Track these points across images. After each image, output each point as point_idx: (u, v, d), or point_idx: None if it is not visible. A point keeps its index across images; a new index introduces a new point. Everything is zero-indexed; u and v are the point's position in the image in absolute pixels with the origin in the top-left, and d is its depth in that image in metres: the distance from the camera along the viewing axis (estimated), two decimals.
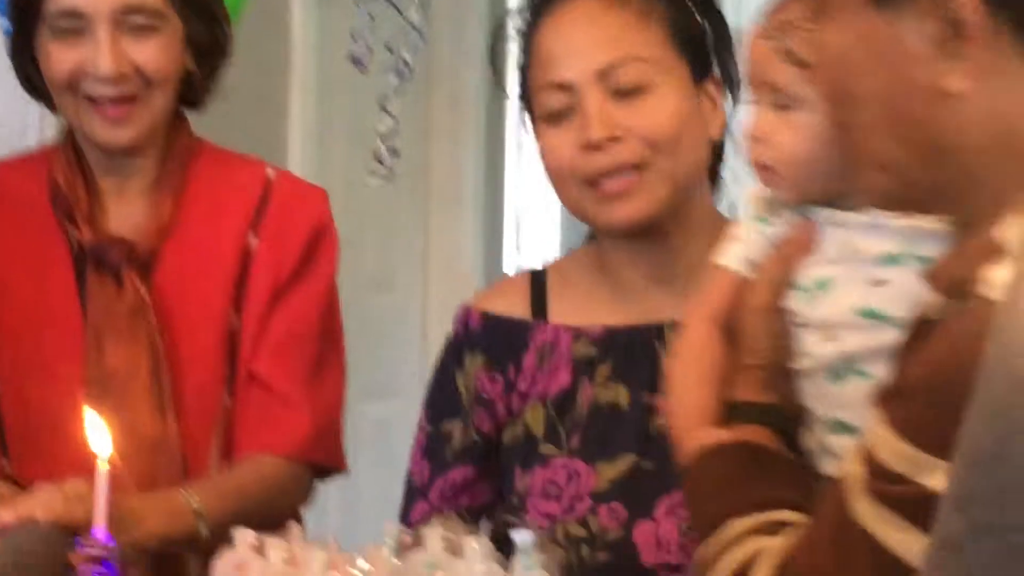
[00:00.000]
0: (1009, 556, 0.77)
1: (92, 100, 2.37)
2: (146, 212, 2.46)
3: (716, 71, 2.16)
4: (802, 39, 1.63)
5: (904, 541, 1.37)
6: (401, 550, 1.54)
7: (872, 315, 1.67)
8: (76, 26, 2.35)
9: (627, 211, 2.07)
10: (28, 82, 2.49)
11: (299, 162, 4.29)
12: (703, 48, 2.15)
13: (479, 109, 5.49)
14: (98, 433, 1.70)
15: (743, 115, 1.84)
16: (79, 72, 2.36)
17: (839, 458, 1.66)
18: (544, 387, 2.14)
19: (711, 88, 2.15)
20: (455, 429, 2.19)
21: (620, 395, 2.11)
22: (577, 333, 2.15)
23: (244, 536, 1.51)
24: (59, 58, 2.37)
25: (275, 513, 2.23)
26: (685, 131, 2.09)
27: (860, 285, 1.69)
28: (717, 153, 2.21)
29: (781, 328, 1.75)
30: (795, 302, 1.74)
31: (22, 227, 2.47)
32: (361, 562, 1.46)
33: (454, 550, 1.51)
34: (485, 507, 2.15)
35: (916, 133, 1.46)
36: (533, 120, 2.17)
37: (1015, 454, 0.78)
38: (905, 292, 1.63)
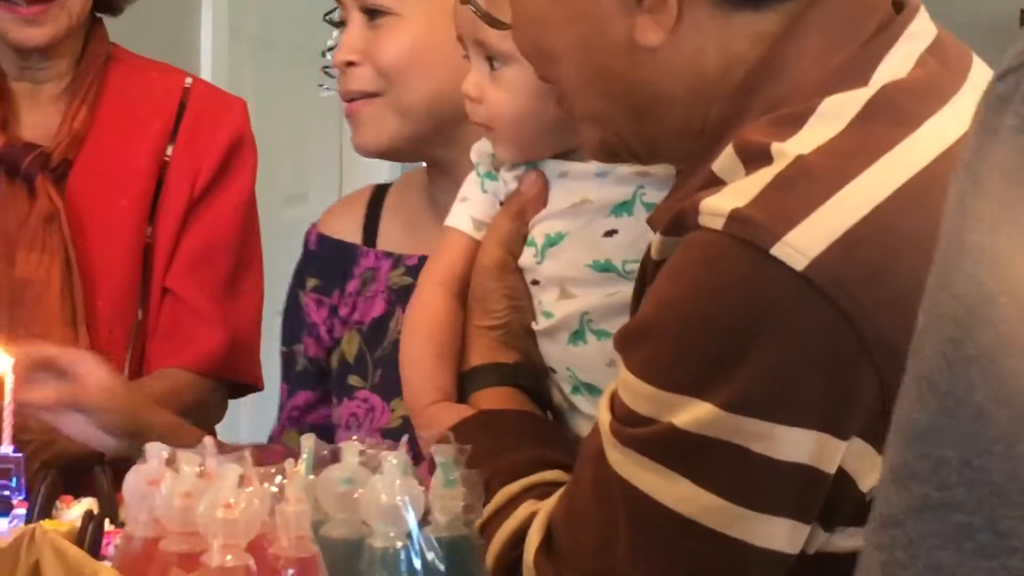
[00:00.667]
0: (952, 534, 0.76)
1: (5, 1, 2.34)
2: (60, 119, 2.42)
3: None
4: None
5: (657, 483, 1.36)
6: (317, 465, 1.52)
7: (608, 268, 1.67)
8: None
9: (358, 137, 2.08)
10: None
11: (210, 70, 4.26)
12: None
13: None
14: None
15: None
16: None
17: (584, 416, 1.70)
18: (362, 315, 2.12)
19: None
20: (298, 352, 2.18)
21: None
22: (397, 260, 2.12)
23: (156, 449, 1.48)
24: None
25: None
26: (413, 65, 2.02)
27: (593, 237, 1.69)
28: None
29: (516, 287, 1.74)
30: (528, 259, 1.73)
31: None
32: (277, 477, 1.44)
33: (371, 465, 1.49)
34: (331, 428, 2.13)
35: (617, 87, 1.48)
36: None
37: (950, 427, 0.77)
38: (635, 241, 1.64)
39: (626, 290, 1.62)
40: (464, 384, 1.73)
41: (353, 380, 2.09)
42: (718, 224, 1.31)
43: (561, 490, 1.49)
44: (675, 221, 1.38)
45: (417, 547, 1.48)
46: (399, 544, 1.48)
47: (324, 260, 2.18)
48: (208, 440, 1.51)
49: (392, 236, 2.15)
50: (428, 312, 1.78)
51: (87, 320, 2.39)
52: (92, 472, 1.82)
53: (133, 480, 1.48)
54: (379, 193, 2.20)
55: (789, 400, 1.31)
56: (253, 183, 2.52)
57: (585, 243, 1.68)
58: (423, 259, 2.02)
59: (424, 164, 2.18)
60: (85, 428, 2.14)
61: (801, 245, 1.29)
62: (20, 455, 1.61)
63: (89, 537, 1.59)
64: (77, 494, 1.76)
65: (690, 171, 1.46)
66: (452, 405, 1.73)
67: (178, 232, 2.44)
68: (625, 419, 1.38)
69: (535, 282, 1.71)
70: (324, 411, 2.17)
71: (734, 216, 1.30)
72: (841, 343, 1.30)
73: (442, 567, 1.49)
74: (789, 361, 1.31)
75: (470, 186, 1.80)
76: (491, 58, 1.72)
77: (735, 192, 1.33)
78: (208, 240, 2.45)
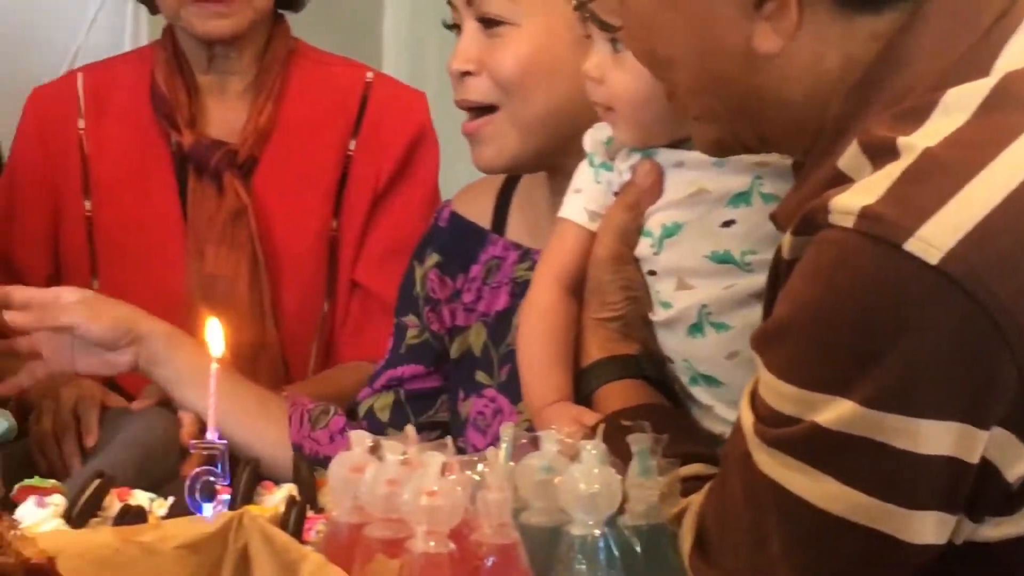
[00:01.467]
0: None
1: None
2: (246, 115, 2.47)
3: None
4: (607, 2, 1.58)
5: (804, 483, 1.36)
6: (516, 452, 1.54)
7: (723, 259, 1.67)
8: None
9: (477, 155, 2.02)
10: None
11: (393, 62, 4.29)
12: None
13: None
14: (214, 337, 1.70)
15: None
16: None
17: (703, 406, 1.70)
18: (487, 306, 2.10)
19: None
20: (410, 324, 2.16)
21: None
22: (525, 253, 2.09)
23: (361, 438, 1.51)
24: None
25: None
26: (531, 77, 1.96)
27: (710, 228, 1.68)
28: None
29: (633, 278, 1.73)
30: (644, 249, 1.72)
31: (125, 129, 2.53)
32: (478, 465, 1.46)
33: (571, 454, 1.50)
34: (421, 394, 2.14)
35: (733, 91, 1.48)
36: None
37: None
38: (755, 231, 1.64)
39: (744, 283, 1.65)
40: (587, 378, 1.74)
41: (480, 376, 2.09)
42: (849, 222, 1.31)
43: (708, 488, 1.49)
44: (805, 220, 1.38)
45: (615, 535, 1.49)
46: (597, 532, 1.49)
47: (451, 238, 2.16)
48: (410, 429, 1.53)
49: (519, 227, 2.13)
50: (543, 310, 1.79)
51: (274, 313, 2.45)
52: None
53: (337, 467, 1.51)
54: (511, 181, 2.17)
55: (929, 394, 1.31)
56: (436, 175, 2.55)
57: (703, 233, 1.68)
58: None
59: None
60: (86, 357, 2.18)
61: (934, 239, 1.28)
62: (225, 442, 1.64)
63: (292, 522, 1.63)
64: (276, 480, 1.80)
65: (813, 166, 1.47)
66: (570, 405, 1.74)
67: (364, 225, 2.48)
68: (769, 420, 1.38)
69: (652, 272, 1.71)
70: (424, 383, 2.16)
71: (865, 213, 1.30)
72: (979, 334, 1.29)
73: (639, 555, 1.50)
74: (928, 355, 1.30)
75: (583, 176, 1.79)
76: (614, 40, 1.70)
77: (864, 189, 1.33)
78: (396, 234, 2.48)
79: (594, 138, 1.78)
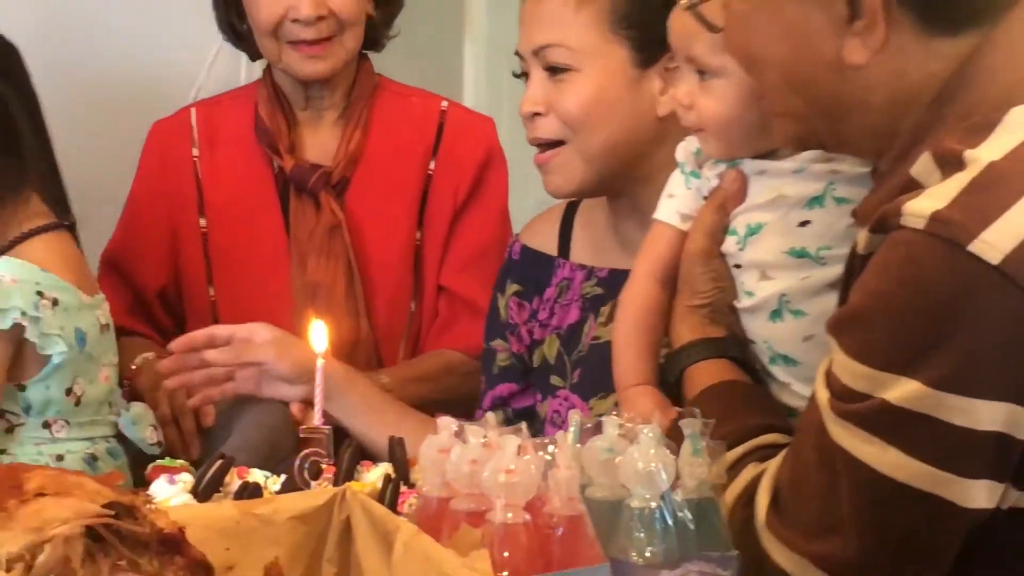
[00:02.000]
0: None
1: (292, 43, 2.45)
2: (338, 142, 2.51)
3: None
4: (714, 6, 1.60)
5: (872, 452, 1.40)
6: (583, 436, 1.55)
7: (802, 254, 1.69)
8: None
9: (549, 187, 2.07)
10: (231, 31, 2.57)
11: (472, 104, 4.31)
12: (653, 31, 1.97)
13: None
14: (318, 335, 1.73)
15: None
16: (284, 17, 2.43)
17: (780, 383, 1.73)
18: (559, 320, 2.15)
19: (661, 71, 2.03)
20: (499, 348, 2.22)
21: None
22: (590, 272, 2.15)
23: (447, 423, 1.53)
24: (266, 7, 2.44)
25: (454, 398, 2.29)
26: (593, 115, 2.01)
27: (789, 227, 1.70)
28: None
29: (720, 270, 1.76)
30: (731, 246, 1.75)
31: (233, 156, 2.58)
32: (550, 447, 1.47)
33: (630, 437, 1.51)
34: (527, 411, 2.18)
35: (819, 94, 1.51)
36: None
37: None
38: (829, 230, 1.67)
39: (819, 274, 1.68)
40: (679, 357, 1.77)
41: (554, 380, 2.14)
42: (920, 224, 1.36)
43: (783, 455, 1.53)
44: (880, 221, 1.43)
45: (669, 507, 1.51)
46: (654, 504, 1.51)
47: (525, 268, 2.22)
48: (490, 416, 1.55)
49: (583, 249, 2.18)
50: (639, 301, 1.82)
51: (368, 314, 2.49)
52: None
53: (427, 449, 1.53)
54: (571, 209, 2.23)
55: (986, 377, 1.36)
56: (506, 190, 2.59)
57: (782, 232, 1.71)
58: (612, 272, 2.10)
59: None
60: (270, 385, 2.24)
61: (995, 242, 1.33)
62: (329, 427, 1.66)
63: (388, 497, 1.65)
64: (374, 459, 1.83)
65: (889, 173, 1.50)
66: (650, 390, 1.79)
67: (445, 235, 2.52)
68: (842, 395, 1.42)
69: (737, 266, 1.75)
70: (524, 399, 2.21)
71: (935, 217, 1.35)
72: None
73: (691, 525, 1.51)
74: (986, 343, 1.35)
75: (675, 183, 1.83)
76: (701, 71, 1.74)
77: (935, 195, 1.37)
78: (474, 244, 2.53)
79: (685, 149, 1.83)
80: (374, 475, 1.76)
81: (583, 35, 2.01)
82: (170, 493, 1.71)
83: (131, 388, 2.38)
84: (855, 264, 1.49)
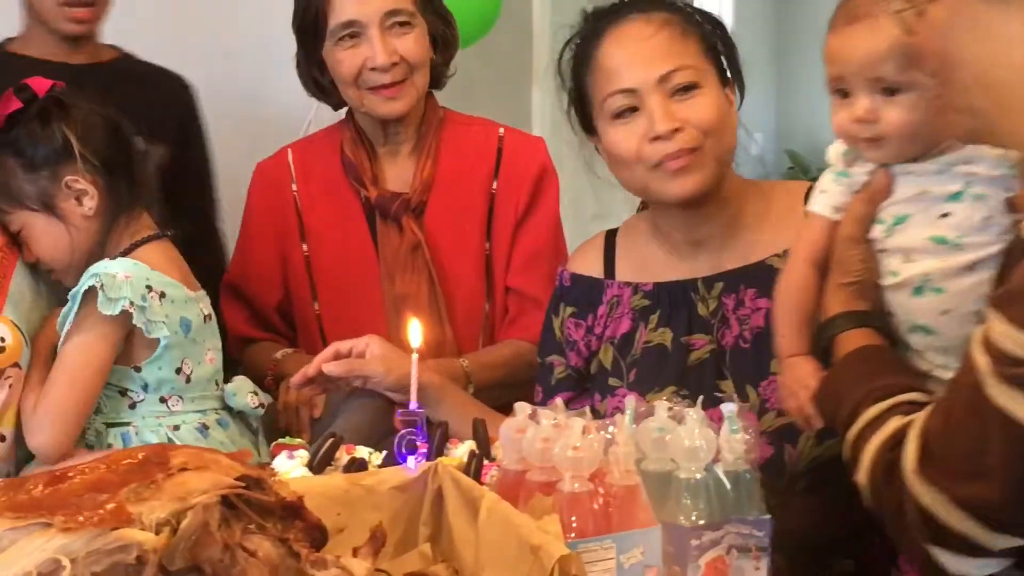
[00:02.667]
0: None
1: (372, 89, 2.47)
2: (413, 171, 2.53)
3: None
4: (910, 12, 1.59)
5: None
6: (637, 418, 1.56)
7: (942, 241, 1.70)
8: (354, 32, 2.45)
9: (689, 183, 2.05)
10: (314, 86, 2.56)
11: (538, 128, 4.33)
12: (724, 61, 2.11)
13: None
14: (414, 333, 1.74)
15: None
16: (363, 67, 2.45)
17: (915, 351, 1.74)
18: (613, 331, 2.17)
19: (731, 94, 2.12)
20: (556, 363, 2.23)
21: (666, 337, 2.10)
22: (636, 288, 2.16)
23: (522, 407, 1.56)
24: (347, 61, 2.46)
25: (524, 380, 2.30)
26: (724, 120, 2.06)
27: (931, 219, 1.72)
28: None
29: (868, 253, 1.77)
30: (878, 233, 1.77)
31: (325, 189, 2.61)
32: (610, 427, 1.48)
33: (678, 418, 1.52)
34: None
35: (1007, 95, 1.49)
36: (590, 120, 2.13)
37: None
38: (966, 221, 1.68)
39: (956, 259, 1.69)
40: (830, 326, 1.78)
41: (612, 381, 2.15)
42: None
43: (931, 409, 1.53)
44: None
45: (712, 478, 1.52)
46: (698, 476, 1.55)
47: (576, 292, 2.24)
48: (559, 401, 1.56)
49: (627, 269, 2.20)
50: (797, 283, 1.84)
51: (449, 319, 2.52)
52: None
53: (505, 429, 1.55)
54: (611, 237, 2.27)
55: None
56: (558, 200, 2.62)
57: (926, 222, 1.73)
58: (657, 285, 2.13)
59: (646, 210, 2.24)
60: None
61: None
62: (423, 410, 1.67)
63: (473, 469, 1.67)
64: (460, 437, 1.85)
65: None
66: (807, 358, 1.79)
67: (510, 244, 2.54)
68: (1006, 362, 1.42)
69: (882, 250, 1.78)
70: (577, 405, 2.20)
71: None
72: None
73: (730, 493, 1.52)
74: None
75: (827, 181, 1.85)
76: (889, 88, 1.73)
77: None
78: (533, 247, 2.57)
79: (836, 152, 1.84)
80: (461, 451, 1.78)
81: (697, 58, 2.06)
82: (290, 467, 1.74)
83: (275, 377, 2.45)
84: (1015, 248, 1.50)
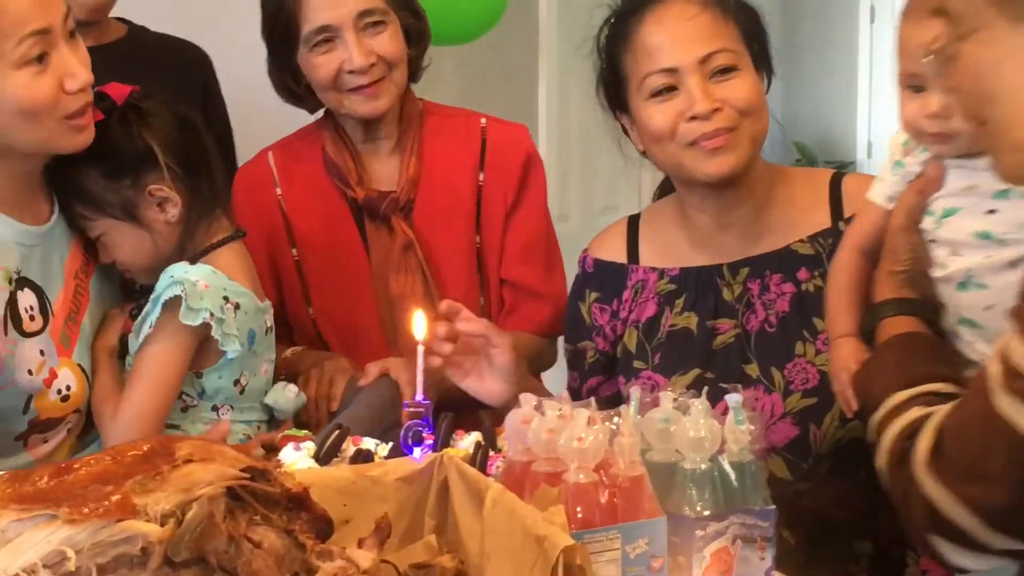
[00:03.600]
0: None
1: (351, 90, 2.41)
2: (398, 168, 2.50)
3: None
4: (945, 52, 1.55)
5: None
6: (642, 408, 1.56)
7: (987, 236, 1.71)
8: (328, 37, 2.39)
9: (725, 163, 2.06)
10: (286, 92, 2.50)
11: (545, 121, 4.33)
12: (761, 49, 2.13)
13: None
14: (420, 327, 1.74)
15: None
16: (340, 71, 2.39)
17: (965, 341, 1.74)
18: (638, 315, 2.17)
19: (762, 76, 2.14)
20: (588, 347, 2.24)
21: (691, 321, 2.12)
22: (661, 273, 2.17)
23: (528, 399, 1.56)
24: (324, 66, 2.39)
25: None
26: (761, 103, 2.08)
27: (978, 213, 1.72)
28: None
29: (918, 242, 1.79)
30: (928, 224, 1.78)
31: (310, 191, 2.54)
32: (615, 418, 1.48)
33: (683, 409, 1.52)
34: (613, 396, 2.19)
35: None
36: (622, 98, 2.12)
37: None
38: (1013, 219, 1.68)
39: (1001, 254, 1.69)
40: (877, 311, 1.80)
41: (637, 364, 2.16)
42: None
43: (951, 406, 1.54)
44: None
45: (717, 468, 1.51)
46: (704, 466, 1.55)
47: (601, 277, 2.24)
48: (564, 392, 1.55)
49: (652, 253, 2.21)
50: (848, 268, 1.88)
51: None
52: (476, 414, 1.86)
53: (511, 420, 1.56)
54: (633, 223, 2.27)
55: None
56: (545, 186, 2.59)
57: (973, 217, 1.73)
58: (683, 270, 2.14)
59: (671, 194, 2.23)
60: (483, 384, 2.18)
61: None
62: (429, 401, 1.67)
63: (479, 460, 1.67)
64: (466, 429, 1.83)
65: None
66: (854, 339, 1.82)
67: (501, 234, 2.51)
68: (1015, 375, 1.42)
69: (932, 241, 1.79)
70: (608, 387, 2.23)
71: None
72: None
73: (735, 483, 1.52)
74: None
75: (884, 170, 1.87)
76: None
77: None
78: (525, 236, 2.53)
79: (895, 141, 1.86)
80: (467, 442, 1.77)
81: (735, 42, 2.08)
82: (296, 458, 1.74)
83: (288, 374, 2.38)
84: None
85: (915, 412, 1.58)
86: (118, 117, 2.11)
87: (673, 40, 2.06)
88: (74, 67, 1.95)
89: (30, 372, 2.01)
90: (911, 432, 1.56)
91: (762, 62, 2.14)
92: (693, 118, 2.03)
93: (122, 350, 2.19)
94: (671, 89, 2.06)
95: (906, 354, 1.70)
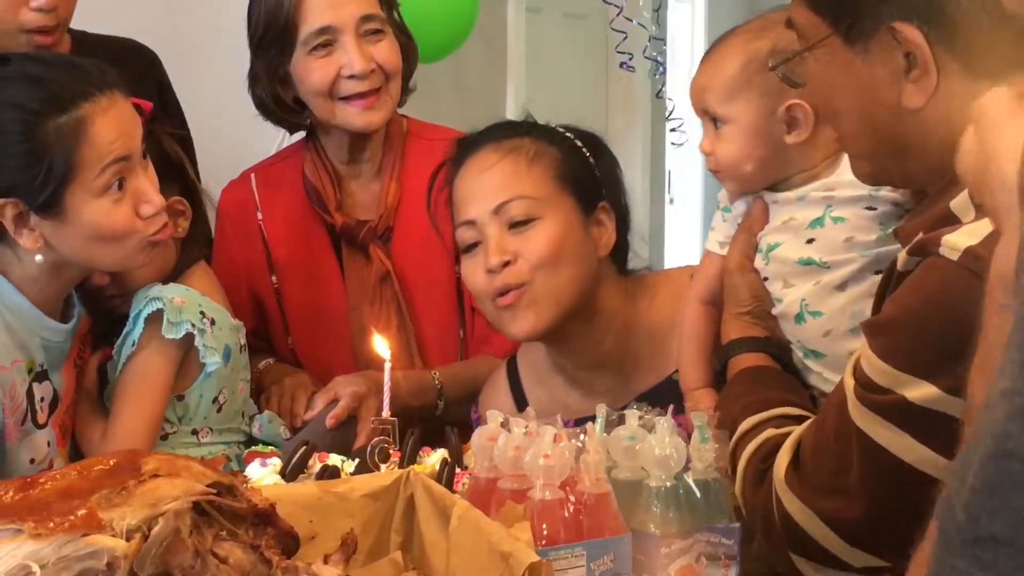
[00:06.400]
0: None
1: (345, 99, 2.35)
2: (378, 193, 2.45)
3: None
4: (790, 66, 1.60)
5: (887, 436, 1.43)
6: (608, 426, 1.56)
7: (807, 263, 1.74)
8: (328, 40, 2.33)
9: (524, 325, 2.00)
10: (273, 103, 2.41)
11: None
12: (591, 183, 2.04)
13: (646, 93, 5.46)
14: (383, 347, 1.74)
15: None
16: (338, 76, 2.33)
17: (815, 373, 1.77)
18: None
19: (601, 214, 2.05)
20: None
21: None
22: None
23: (494, 415, 1.55)
24: (321, 70, 2.34)
25: None
26: (561, 253, 1.98)
27: (799, 244, 1.75)
28: (621, 251, 2.11)
29: (755, 281, 1.81)
30: (759, 262, 1.81)
31: (290, 216, 2.48)
32: (581, 435, 1.48)
33: (648, 427, 1.53)
34: None
35: (886, 136, 1.51)
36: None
37: None
38: (830, 242, 1.72)
39: (826, 278, 1.72)
40: (726, 350, 1.81)
41: None
42: (955, 256, 1.37)
43: (808, 424, 1.56)
44: (919, 246, 1.44)
45: (682, 486, 1.52)
46: (669, 484, 1.53)
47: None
48: (530, 410, 1.56)
49: (541, 403, 2.11)
50: (695, 321, 1.90)
51: (420, 350, 2.42)
52: (444, 430, 1.86)
53: (477, 438, 1.54)
54: (512, 368, 2.21)
55: None
56: None
57: (795, 247, 1.76)
58: (576, 422, 1.98)
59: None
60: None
61: None
62: (395, 419, 1.67)
63: (445, 477, 1.65)
64: (432, 445, 1.82)
65: (932, 202, 1.51)
66: (709, 391, 1.85)
67: None
68: (867, 386, 1.44)
69: (766, 279, 1.81)
70: None
71: (968, 252, 1.36)
72: None
73: (700, 501, 1.52)
74: None
75: (716, 219, 1.90)
76: (716, 120, 1.80)
77: (970, 233, 1.38)
78: None
79: (723, 192, 1.88)
80: (433, 459, 1.77)
81: (539, 187, 2.00)
82: (262, 474, 1.73)
83: (257, 387, 2.35)
84: (892, 277, 1.50)
85: (767, 433, 1.61)
86: (146, 132, 2.04)
87: (472, 191, 2.02)
88: (149, 193, 1.94)
89: (32, 461, 1.99)
90: (765, 454, 1.58)
91: (590, 197, 2.02)
92: (489, 271, 1.99)
93: (100, 382, 2.16)
94: (477, 243, 2.01)
95: (754, 384, 1.73)
